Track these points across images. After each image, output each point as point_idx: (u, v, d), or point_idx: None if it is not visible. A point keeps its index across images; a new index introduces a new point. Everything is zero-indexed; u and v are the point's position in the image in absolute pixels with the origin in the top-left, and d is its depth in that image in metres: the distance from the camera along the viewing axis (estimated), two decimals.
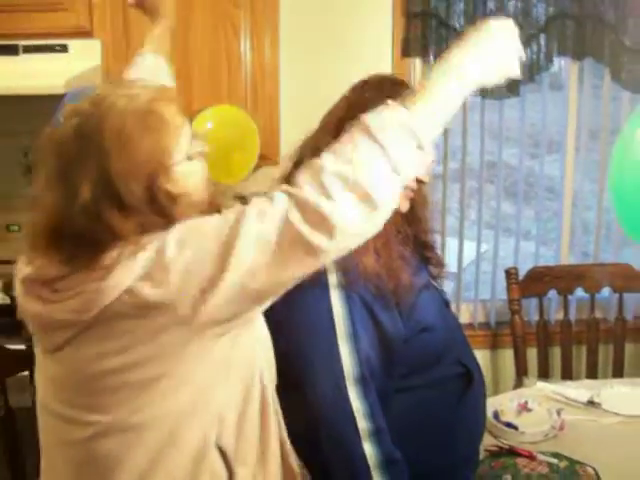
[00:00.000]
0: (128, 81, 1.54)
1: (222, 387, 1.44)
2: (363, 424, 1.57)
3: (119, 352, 1.37)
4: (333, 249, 1.32)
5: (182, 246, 1.34)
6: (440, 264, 1.98)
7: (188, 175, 1.43)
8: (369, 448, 1.58)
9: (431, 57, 3.15)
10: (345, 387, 1.58)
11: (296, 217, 1.29)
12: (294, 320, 1.64)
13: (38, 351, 1.51)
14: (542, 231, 3.82)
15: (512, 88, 3.17)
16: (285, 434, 1.61)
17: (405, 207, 1.77)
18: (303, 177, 1.34)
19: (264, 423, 1.52)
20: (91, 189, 1.33)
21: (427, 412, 1.76)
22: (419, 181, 1.73)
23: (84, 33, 2.78)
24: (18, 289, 1.47)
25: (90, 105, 1.39)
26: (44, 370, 1.50)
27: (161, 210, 1.38)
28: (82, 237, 1.35)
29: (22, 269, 1.46)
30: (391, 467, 1.60)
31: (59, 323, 1.39)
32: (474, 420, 1.91)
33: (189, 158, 1.43)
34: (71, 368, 1.43)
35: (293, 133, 3.12)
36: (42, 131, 1.41)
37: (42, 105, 2.67)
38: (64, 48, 2.75)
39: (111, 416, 1.40)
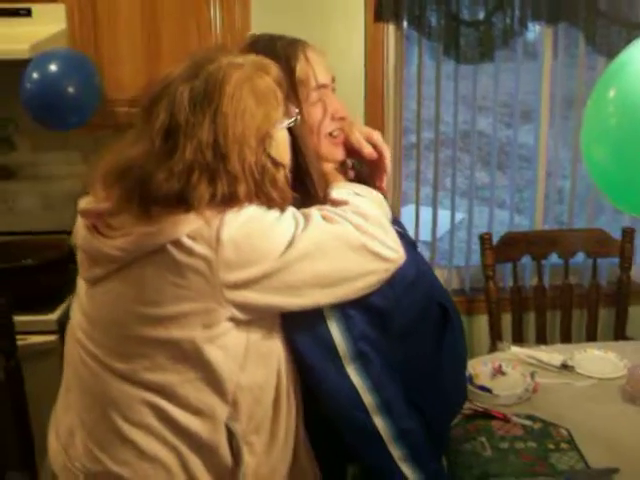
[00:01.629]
0: (222, 47, 1.61)
1: (237, 370, 1.47)
2: (369, 399, 1.55)
3: (147, 303, 1.42)
4: None
5: (245, 231, 1.40)
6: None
7: (282, 142, 1.50)
8: (380, 422, 1.56)
9: (404, 22, 3.13)
10: (342, 366, 1.55)
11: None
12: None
13: (80, 280, 1.58)
14: (517, 199, 3.82)
15: (487, 52, 3.15)
16: (303, 432, 1.63)
17: (342, 154, 1.75)
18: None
19: (276, 415, 1.54)
20: (195, 151, 1.39)
21: (418, 358, 1.73)
22: (340, 118, 1.70)
23: None
24: (78, 219, 1.55)
25: (197, 69, 1.44)
26: (80, 301, 1.57)
27: (264, 176, 1.44)
28: (154, 188, 1.39)
29: (85, 201, 1.53)
30: (408, 436, 1.58)
31: (104, 256, 1.46)
32: (458, 354, 1.89)
33: (287, 123, 1.51)
34: (104, 305, 1.49)
35: None
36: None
37: (5, 70, 2.65)
38: (28, 12, 2.71)
39: (127, 366, 1.46)
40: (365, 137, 1.78)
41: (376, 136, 1.80)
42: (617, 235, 3.24)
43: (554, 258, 3.28)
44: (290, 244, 1.42)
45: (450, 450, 1.97)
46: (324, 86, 1.68)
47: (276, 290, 1.43)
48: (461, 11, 3.12)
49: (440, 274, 3.54)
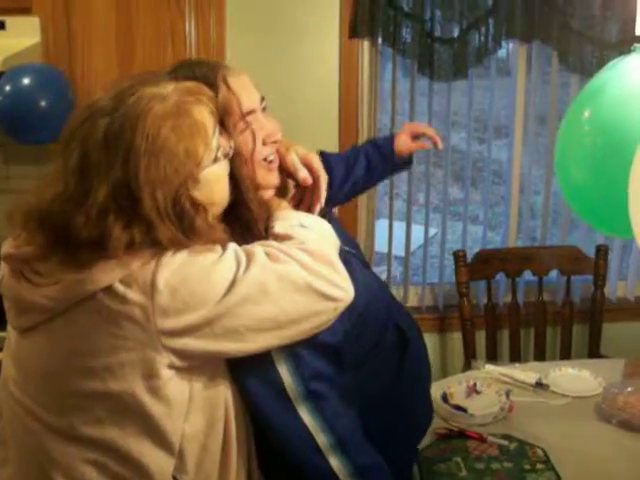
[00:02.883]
0: (152, 75, 1.45)
1: (181, 421, 1.40)
2: (322, 439, 1.50)
3: (81, 355, 1.35)
4: None
5: (182, 276, 1.34)
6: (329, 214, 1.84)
7: (214, 180, 1.43)
8: (335, 461, 1.51)
9: (379, 38, 3.13)
10: (293, 407, 1.50)
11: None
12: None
13: (9, 328, 1.49)
14: (490, 215, 3.84)
15: (460, 70, 3.16)
16: (257, 475, 1.58)
17: (276, 179, 1.68)
18: None
19: (225, 461, 1.48)
20: (108, 193, 1.31)
21: (375, 384, 1.71)
22: (273, 142, 1.64)
23: (23, 10, 2.68)
24: (2, 264, 1.46)
25: (118, 102, 1.35)
26: (11, 350, 1.49)
27: (182, 220, 1.35)
28: (75, 234, 1.32)
29: (8, 245, 1.45)
30: (366, 473, 1.54)
31: (33, 306, 1.38)
32: (417, 379, 1.86)
33: (215, 160, 1.42)
34: (37, 357, 1.41)
35: None
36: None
37: None
38: (1, 25, 2.66)
39: (65, 422, 1.38)
40: (302, 160, 1.71)
41: (314, 160, 1.74)
42: (590, 251, 3.26)
43: (528, 275, 3.30)
44: (231, 287, 1.35)
45: (425, 470, 1.96)
46: (251, 112, 1.60)
47: (217, 336, 1.36)
48: (435, 29, 3.12)
49: (414, 291, 3.54)
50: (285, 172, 1.70)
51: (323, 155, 2.19)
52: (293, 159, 1.70)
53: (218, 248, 1.40)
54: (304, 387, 1.50)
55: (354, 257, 1.79)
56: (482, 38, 3.16)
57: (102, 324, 1.32)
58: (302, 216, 1.57)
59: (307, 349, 1.50)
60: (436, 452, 2.05)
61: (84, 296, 1.32)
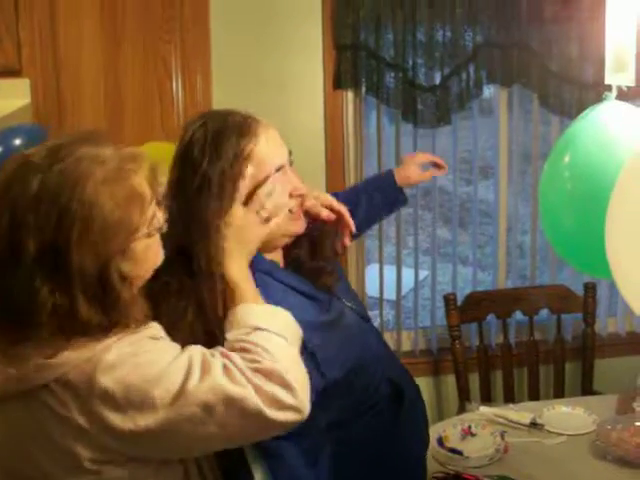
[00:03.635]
0: (88, 134, 1.39)
1: None
2: None
3: (24, 447, 1.32)
4: None
5: (123, 378, 1.28)
6: (330, 274, 1.83)
7: (146, 252, 1.37)
8: None
9: (363, 88, 3.19)
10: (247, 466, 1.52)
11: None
12: None
13: None
14: (479, 256, 3.87)
15: (443, 117, 3.22)
16: None
17: (301, 228, 1.74)
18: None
19: None
20: (35, 255, 1.24)
21: (363, 442, 1.73)
22: (298, 196, 1.70)
23: (12, 72, 2.74)
24: None
25: (53, 160, 1.29)
26: None
27: (106, 293, 1.29)
28: (5, 302, 1.28)
29: None
30: None
31: None
32: (413, 437, 1.88)
33: (148, 234, 1.37)
34: None
35: None
36: None
37: None
38: None
39: None
40: (320, 203, 1.79)
41: (330, 199, 1.81)
42: (579, 288, 3.29)
43: (519, 315, 3.32)
44: (174, 399, 1.29)
45: None
46: (282, 167, 1.66)
47: (155, 447, 1.34)
48: (417, 76, 3.17)
49: (407, 336, 3.55)
50: (308, 217, 1.76)
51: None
52: (313, 203, 1.76)
53: (165, 345, 1.38)
54: (263, 444, 1.49)
55: (351, 311, 1.82)
56: (463, 84, 3.21)
57: (44, 419, 1.29)
58: (260, 314, 1.49)
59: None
60: None
61: (20, 392, 1.28)
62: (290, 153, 1.71)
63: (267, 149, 1.63)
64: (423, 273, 4.06)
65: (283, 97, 3.15)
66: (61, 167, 1.27)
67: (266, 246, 1.68)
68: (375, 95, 3.18)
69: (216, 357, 1.36)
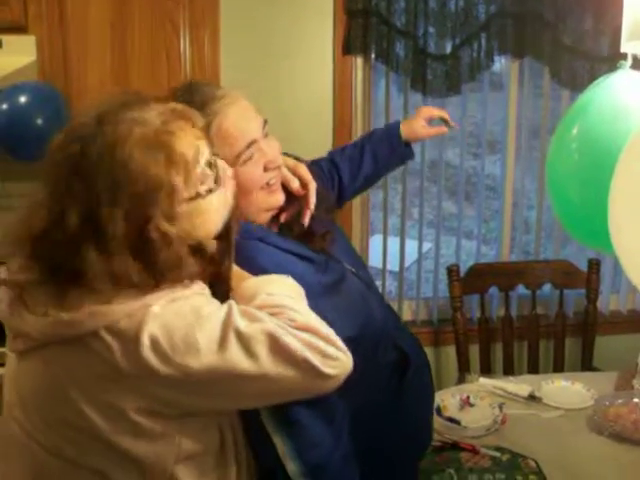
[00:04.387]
0: (137, 97, 1.37)
1: (171, 460, 1.39)
2: (291, 467, 1.49)
3: (69, 388, 1.33)
4: None
5: (169, 331, 1.29)
6: (322, 236, 1.81)
7: (195, 215, 1.36)
8: None
9: (372, 55, 3.16)
10: (268, 435, 1.49)
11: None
12: None
13: (8, 351, 1.47)
14: (484, 230, 3.85)
15: (453, 86, 3.19)
16: None
17: (281, 199, 1.73)
18: None
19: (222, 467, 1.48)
20: (77, 219, 1.27)
21: (369, 407, 1.72)
22: (274, 168, 1.68)
23: (18, 29, 2.71)
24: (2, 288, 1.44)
25: (96, 126, 1.30)
26: (11, 375, 1.47)
27: (145, 254, 1.30)
28: (58, 264, 1.30)
29: (7, 267, 1.42)
30: None
31: (21, 332, 1.37)
32: (418, 409, 1.88)
33: (198, 195, 1.36)
34: (34, 385, 1.39)
35: None
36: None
37: None
38: None
39: (56, 446, 1.38)
40: (291, 171, 1.75)
41: (303, 170, 1.77)
42: (583, 265, 3.28)
43: (521, 289, 3.31)
44: (219, 343, 1.30)
45: None
46: (253, 142, 1.63)
47: (202, 396, 1.34)
48: (428, 45, 3.15)
49: (408, 305, 3.56)
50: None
51: (330, 154, 2.22)
52: (284, 172, 1.73)
53: (209, 298, 1.39)
54: (282, 412, 1.48)
55: (355, 276, 1.81)
56: (474, 54, 3.19)
57: (91, 365, 1.31)
58: (265, 283, 1.48)
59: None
60: (430, 463, 2.07)
61: (70, 337, 1.31)
62: (265, 122, 1.67)
63: (235, 125, 1.60)
64: (427, 245, 4.05)
65: (292, 60, 3.13)
66: (103, 134, 1.29)
67: (251, 220, 1.67)
68: (385, 62, 3.15)
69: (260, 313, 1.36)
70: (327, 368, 1.34)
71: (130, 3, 2.75)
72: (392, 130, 2.27)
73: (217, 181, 1.39)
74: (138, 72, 2.79)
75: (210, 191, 1.37)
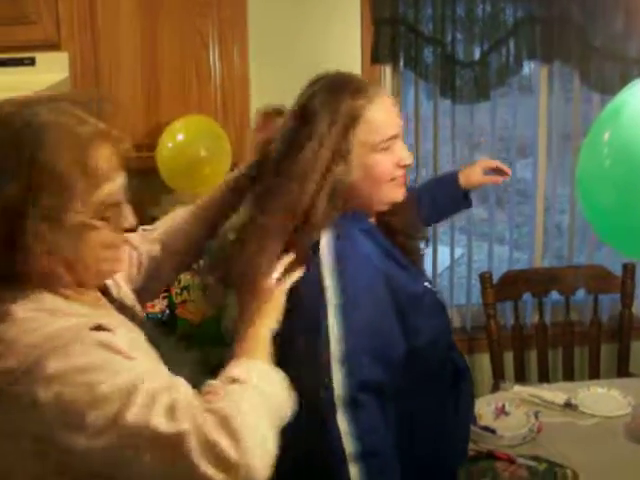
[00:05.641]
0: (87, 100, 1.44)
1: None
2: (350, 447, 1.53)
3: None
4: None
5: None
6: (418, 248, 1.95)
7: (79, 234, 1.29)
8: (355, 472, 1.53)
9: (400, 63, 3.17)
10: (334, 412, 1.54)
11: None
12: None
13: None
14: (516, 235, 3.83)
15: (482, 92, 3.18)
16: None
17: (402, 195, 1.79)
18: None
19: None
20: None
21: (422, 415, 1.75)
22: (404, 166, 1.75)
23: (52, 46, 2.75)
24: None
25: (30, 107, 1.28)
26: None
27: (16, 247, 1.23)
28: None
29: None
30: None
31: None
32: (465, 420, 1.93)
33: (90, 218, 1.29)
34: None
35: None
36: None
37: None
38: (32, 61, 2.72)
39: None
40: None
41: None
42: (617, 269, 3.25)
43: (555, 295, 3.29)
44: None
45: None
46: (395, 136, 1.72)
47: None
48: (456, 52, 3.15)
49: None
50: None
51: None
52: None
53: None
54: (350, 393, 1.55)
55: (432, 294, 1.85)
56: (503, 59, 3.18)
57: None
58: (254, 368, 1.39)
59: (368, 357, 1.57)
60: (466, 473, 2.05)
61: None
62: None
63: (381, 116, 1.70)
64: (459, 251, 4.03)
65: (320, 70, 3.12)
66: (36, 112, 1.27)
67: (368, 210, 1.76)
68: (413, 70, 3.16)
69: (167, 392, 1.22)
70: (205, 464, 1.18)
71: (160, 18, 2.79)
72: (450, 177, 2.39)
73: (110, 224, 1.32)
74: (169, 87, 2.83)
75: (95, 228, 1.30)
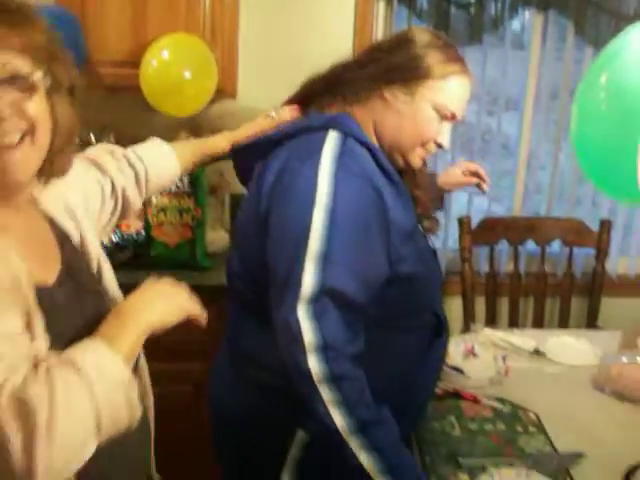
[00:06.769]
0: None
1: None
2: (310, 338, 1.51)
3: None
4: None
5: None
6: (435, 220, 1.97)
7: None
8: (314, 363, 1.52)
9: (394, 0, 3.11)
10: (295, 308, 1.53)
11: None
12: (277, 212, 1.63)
13: None
14: (495, 188, 3.81)
15: (475, 35, 3.14)
16: None
17: (419, 165, 1.80)
18: None
19: None
20: None
21: (396, 354, 1.76)
22: (439, 145, 1.77)
23: None
24: None
25: None
26: None
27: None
28: None
29: None
30: (342, 382, 1.54)
31: None
32: (435, 367, 1.95)
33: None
34: None
35: (251, 67, 3.10)
36: None
37: None
38: None
39: None
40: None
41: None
42: (594, 227, 3.26)
43: (530, 245, 3.29)
44: None
45: (418, 428, 1.97)
46: (453, 117, 1.74)
47: None
48: None
49: None
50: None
51: None
52: None
53: None
54: (318, 291, 1.53)
55: (425, 238, 1.88)
56: (498, 5, 3.14)
57: None
58: (103, 361, 1.18)
59: (344, 268, 1.55)
60: (430, 411, 2.06)
61: None
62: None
63: (458, 92, 1.72)
64: None
65: (311, 1, 3.08)
66: None
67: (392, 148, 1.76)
68: (407, 6, 3.10)
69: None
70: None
71: None
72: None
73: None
74: (155, 2, 2.75)
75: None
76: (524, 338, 2.52)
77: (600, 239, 3.23)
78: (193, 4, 2.75)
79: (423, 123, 1.71)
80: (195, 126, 2.96)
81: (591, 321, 3.29)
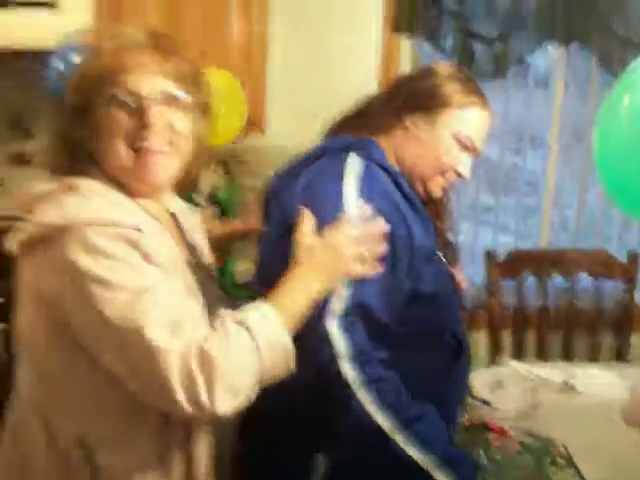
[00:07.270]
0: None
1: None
2: (341, 347, 1.55)
3: None
4: None
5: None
6: (455, 251, 1.99)
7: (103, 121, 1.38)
8: (349, 370, 1.55)
9: (420, 34, 3.16)
10: (327, 320, 1.55)
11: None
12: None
13: None
14: (521, 226, 3.81)
15: (499, 69, 3.18)
16: None
17: (439, 194, 1.82)
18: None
19: None
20: None
21: (417, 373, 1.72)
22: (459, 175, 1.78)
23: None
24: None
25: None
26: None
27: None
28: None
29: None
30: (378, 384, 1.57)
31: None
32: (457, 389, 1.93)
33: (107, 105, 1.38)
34: None
35: (280, 102, 3.14)
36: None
37: (29, 61, 2.66)
38: (54, 3, 2.71)
39: None
40: None
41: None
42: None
43: (558, 279, 3.28)
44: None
45: None
46: (474, 149, 1.77)
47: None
48: (477, 28, 3.14)
49: None
50: None
51: None
52: None
53: None
54: (349, 306, 1.56)
55: (442, 262, 1.88)
56: (522, 39, 3.17)
57: None
58: (266, 320, 1.36)
59: (372, 282, 1.57)
60: (458, 442, 2.04)
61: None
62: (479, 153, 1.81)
63: (477, 123, 1.77)
64: (463, 238, 4.01)
65: (339, 36, 3.13)
66: None
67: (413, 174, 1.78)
68: (432, 42, 3.14)
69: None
70: (181, 393, 1.24)
71: None
72: None
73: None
74: (189, 39, 2.78)
75: (121, 104, 1.37)
76: (552, 370, 2.50)
77: (629, 270, 3.20)
78: (225, 41, 2.80)
79: (442, 151, 1.75)
80: (223, 160, 3.00)
81: (622, 355, 3.24)
